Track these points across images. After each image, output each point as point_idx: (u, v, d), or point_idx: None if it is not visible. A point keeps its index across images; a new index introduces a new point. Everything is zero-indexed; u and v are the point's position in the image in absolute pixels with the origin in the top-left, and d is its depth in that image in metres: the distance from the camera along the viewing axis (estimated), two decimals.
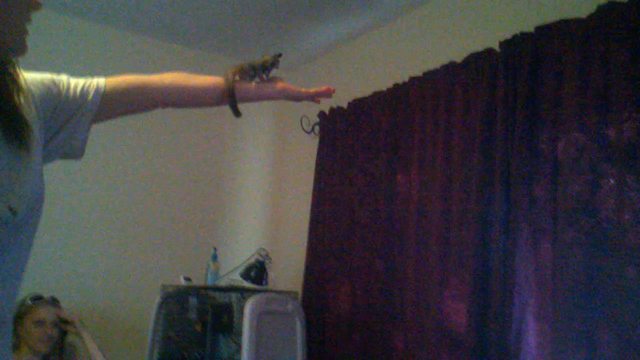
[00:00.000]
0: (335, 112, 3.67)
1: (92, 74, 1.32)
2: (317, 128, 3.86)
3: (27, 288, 3.12)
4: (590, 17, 2.19)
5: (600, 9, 2.15)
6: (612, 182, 2.06)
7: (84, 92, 1.23)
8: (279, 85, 1.44)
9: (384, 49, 3.50)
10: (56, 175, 3.54)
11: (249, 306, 3.22)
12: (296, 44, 3.90)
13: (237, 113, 1.41)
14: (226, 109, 1.46)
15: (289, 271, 3.86)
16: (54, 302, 3.13)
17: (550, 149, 2.29)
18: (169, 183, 3.93)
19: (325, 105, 3.75)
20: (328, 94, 1.46)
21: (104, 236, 3.67)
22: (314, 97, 1.47)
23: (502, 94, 2.50)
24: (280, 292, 3.52)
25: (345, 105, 3.58)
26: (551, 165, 2.27)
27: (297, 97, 1.46)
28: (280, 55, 1.44)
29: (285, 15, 3.52)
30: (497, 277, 2.42)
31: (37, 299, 3.07)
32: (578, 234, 2.14)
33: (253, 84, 1.42)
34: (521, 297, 2.31)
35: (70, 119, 1.21)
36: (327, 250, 3.52)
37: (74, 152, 1.26)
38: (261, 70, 1.43)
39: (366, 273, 3.19)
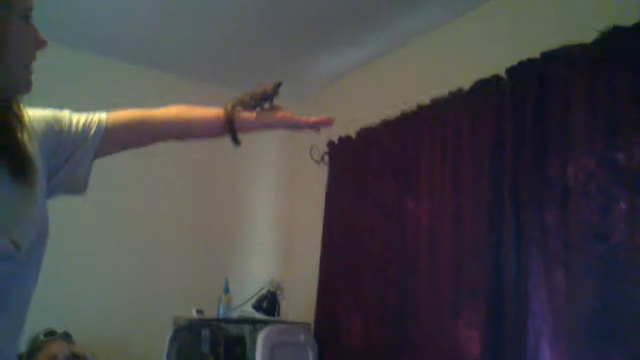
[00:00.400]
0: (344, 141, 3.69)
1: (102, 107, 1.34)
2: (326, 158, 3.88)
3: (40, 324, 3.13)
4: (595, 42, 2.19)
5: (605, 34, 2.16)
6: (624, 206, 2.04)
7: (86, 128, 1.24)
8: (279, 114, 1.43)
9: (392, 77, 3.52)
10: (67, 209, 3.56)
11: (262, 338, 3.21)
12: (304, 73, 3.94)
13: (237, 142, 1.40)
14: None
15: (301, 302, 3.84)
16: (67, 337, 3.13)
17: (560, 175, 2.28)
18: (180, 215, 3.94)
19: (334, 134, 3.76)
20: (328, 123, 1.47)
21: (115, 270, 3.68)
22: (314, 127, 1.46)
23: (510, 120, 2.51)
24: (292, 324, 3.50)
25: (354, 134, 3.60)
26: (561, 191, 2.26)
27: (297, 126, 1.45)
28: (280, 84, 1.44)
29: (294, 45, 3.56)
30: (510, 305, 2.39)
31: (51, 334, 3.07)
32: (591, 260, 2.12)
33: (254, 114, 1.41)
34: (535, 325, 2.28)
35: (72, 155, 1.22)
36: (339, 281, 3.51)
37: (77, 188, 1.27)
38: (262, 99, 1.43)
39: (379, 303, 3.16)
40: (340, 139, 3.72)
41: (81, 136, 1.23)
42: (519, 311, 2.35)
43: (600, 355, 2.03)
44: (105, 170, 3.77)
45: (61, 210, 3.55)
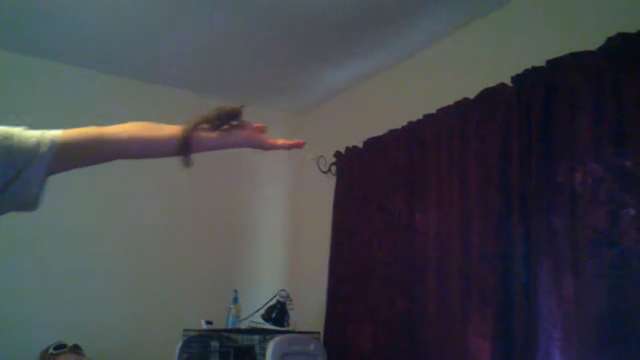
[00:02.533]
0: (351, 151, 3.70)
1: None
2: (333, 168, 3.89)
3: (50, 336, 3.15)
4: (601, 49, 2.21)
5: (610, 40, 2.17)
6: (632, 212, 2.05)
7: (36, 145, 1.22)
8: (245, 133, 1.40)
9: (398, 88, 3.54)
10: (77, 222, 3.59)
11: (271, 348, 3.21)
12: (311, 85, 3.96)
13: (187, 163, 1.36)
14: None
15: (310, 312, 3.84)
16: (76, 349, 3.14)
17: (567, 182, 2.29)
18: (189, 227, 3.96)
19: (341, 145, 3.78)
20: (298, 145, 1.41)
21: (124, 282, 3.69)
22: (283, 148, 1.42)
23: (517, 128, 2.52)
24: (301, 333, 3.50)
25: (360, 144, 3.62)
26: (569, 197, 2.27)
27: (263, 147, 1.41)
28: (243, 106, 1.43)
29: (301, 58, 3.59)
30: (520, 312, 2.40)
31: (60, 347, 3.09)
32: (600, 266, 2.12)
33: (217, 133, 1.38)
34: (545, 331, 2.28)
35: (22, 171, 1.20)
36: (347, 290, 3.51)
37: (27, 205, 1.24)
38: (227, 118, 1.41)
39: (388, 312, 3.17)
40: (347, 149, 3.74)
41: (31, 152, 1.21)
42: (528, 318, 2.35)
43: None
44: (115, 184, 3.83)
45: (70, 224, 3.59)
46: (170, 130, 1.37)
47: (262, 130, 1.42)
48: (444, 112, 2.97)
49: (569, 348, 2.21)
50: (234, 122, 1.39)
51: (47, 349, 3.09)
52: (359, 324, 3.38)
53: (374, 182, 3.45)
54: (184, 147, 1.35)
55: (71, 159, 1.28)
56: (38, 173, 1.21)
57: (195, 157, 1.49)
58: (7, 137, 1.20)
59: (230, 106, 1.40)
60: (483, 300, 2.58)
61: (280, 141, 1.41)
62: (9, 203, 1.22)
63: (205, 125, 1.38)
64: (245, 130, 1.39)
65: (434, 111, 3.03)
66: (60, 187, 3.55)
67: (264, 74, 3.83)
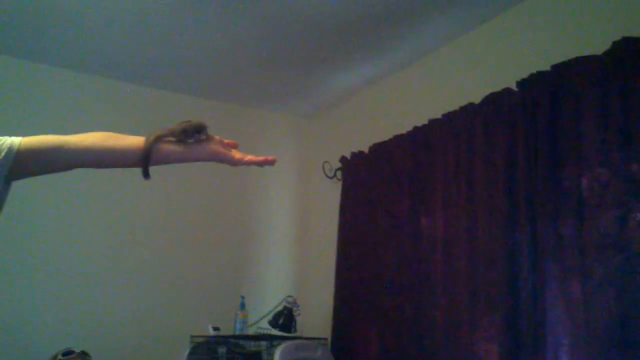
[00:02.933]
0: (357, 156, 3.71)
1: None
2: (339, 173, 3.90)
3: (58, 343, 3.16)
4: (606, 53, 2.21)
5: (615, 44, 2.17)
6: (639, 216, 2.05)
7: None
8: (211, 147, 1.39)
9: (403, 93, 3.54)
10: (83, 229, 3.61)
11: (278, 354, 3.21)
12: (317, 90, 3.97)
13: (146, 175, 1.37)
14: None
15: (317, 317, 3.85)
16: (84, 356, 3.15)
17: (574, 186, 2.29)
18: (195, 233, 3.96)
19: (347, 150, 3.79)
20: (268, 163, 1.40)
21: (132, 288, 3.70)
22: (251, 164, 1.42)
23: (523, 132, 2.52)
24: (309, 339, 3.50)
25: (366, 149, 3.62)
26: (576, 201, 2.26)
27: (231, 163, 1.41)
28: (205, 126, 1.39)
29: (306, 63, 3.59)
30: (527, 316, 2.39)
31: (68, 353, 3.10)
32: (607, 270, 2.12)
33: (181, 146, 1.38)
34: (554, 336, 2.27)
35: None
36: (354, 295, 3.51)
37: None
38: (191, 133, 1.37)
39: (395, 316, 3.17)
40: (353, 155, 3.74)
41: None
42: (536, 322, 2.35)
43: None
44: (123, 190, 3.84)
45: (79, 231, 3.60)
46: (132, 140, 1.38)
47: (232, 146, 1.42)
48: (450, 117, 2.98)
49: (577, 353, 2.20)
50: (202, 137, 1.38)
51: (55, 355, 3.10)
52: (366, 329, 3.38)
53: (379, 187, 3.45)
54: (143, 158, 1.35)
55: (30, 165, 1.30)
56: None
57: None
58: None
59: (196, 121, 1.39)
60: (490, 305, 2.58)
61: (248, 157, 1.40)
62: None
63: (170, 138, 1.38)
64: (212, 145, 1.39)
65: (440, 116, 3.03)
66: (68, 193, 3.58)
67: (270, 79, 3.84)
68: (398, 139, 3.35)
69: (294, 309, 3.57)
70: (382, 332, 3.26)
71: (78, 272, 3.59)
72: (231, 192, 4.15)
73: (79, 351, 3.14)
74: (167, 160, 1.39)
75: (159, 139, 1.37)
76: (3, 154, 1.24)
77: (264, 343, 3.57)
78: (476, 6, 2.87)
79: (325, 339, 3.59)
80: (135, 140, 1.37)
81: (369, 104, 3.85)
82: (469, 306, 2.70)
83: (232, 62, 3.62)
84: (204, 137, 1.38)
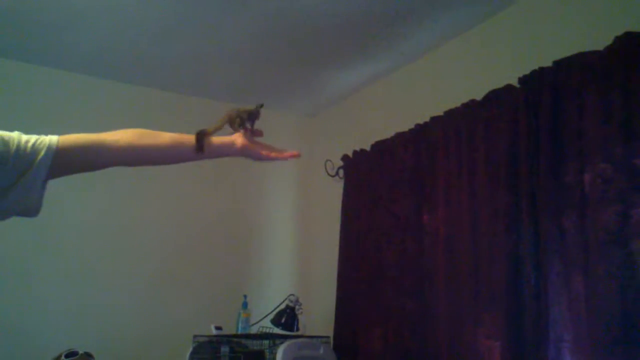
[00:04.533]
0: (359, 154, 3.70)
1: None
2: (341, 171, 3.89)
3: (61, 344, 3.16)
4: (608, 48, 2.20)
5: (617, 40, 2.17)
6: None
7: (34, 150, 1.22)
8: (239, 143, 1.44)
9: (405, 90, 3.54)
10: (85, 230, 3.61)
11: (281, 353, 3.21)
12: (318, 89, 3.97)
13: (199, 154, 1.41)
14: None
15: (319, 316, 3.84)
16: (88, 357, 3.15)
17: (576, 182, 2.28)
18: (198, 233, 3.97)
19: (349, 148, 3.79)
20: (293, 156, 1.47)
21: (135, 288, 3.71)
22: (276, 159, 1.48)
23: (525, 128, 2.51)
24: (311, 337, 3.50)
25: (368, 147, 3.62)
26: (578, 197, 2.26)
27: (258, 158, 1.47)
28: (262, 105, 1.45)
29: (308, 62, 3.59)
30: (530, 313, 2.39)
31: (72, 354, 3.09)
32: (610, 266, 2.11)
33: (213, 140, 1.43)
34: (556, 332, 2.27)
35: (22, 176, 1.20)
36: (357, 293, 3.51)
37: (30, 211, 1.24)
38: (248, 119, 1.43)
39: (397, 314, 3.16)
40: (355, 153, 3.74)
41: (29, 157, 1.21)
42: (538, 319, 2.34)
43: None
44: (125, 192, 3.84)
45: (82, 231, 3.60)
46: (167, 137, 1.39)
47: (258, 134, 1.49)
48: (451, 114, 2.97)
49: (580, 348, 2.20)
50: (251, 124, 1.45)
51: (58, 356, 3.09)
52: (368, 327, 3.38)
53: (381, 184, 3.45)
54: (199, 141, 1.39)
55: (69, 164, 1.29)
56: (38, 178, 1.22)
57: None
58: (5, 142, 1.20)
59: (249, 108, 1.47)
60: (493, 302, 2.58)
61: (274, 153, 1.47)
62: (11, 208, 1.22)
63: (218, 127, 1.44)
64: (241, 140, 1.45)
65: (441, 113, 3.03)
66: (72, 194, 3.58)
67: (272, 78, 3.84)
68: (400, 136, 3.34)
69: (297, 307, 3.57)
70: (384, 330, 3.26)
71: (81, 272, 3.59)
72: (234, 191, 4.15)
73: (82, 352, 3.13)
74: (205, 156, 1.43)
75: (208, 134, 1.41)
76: (42, 152, 1.22)
77: (266, 342, 3.56)
78: (477, 3, 2.87)
79: (328, 337, 3.59)
80: (169, 137, 1.39)
81: (371, 101, 3.85)
82: (472, 303, 2.69)
83: (234, 61, 3.62)
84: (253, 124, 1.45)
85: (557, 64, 2.40)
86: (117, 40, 3.37)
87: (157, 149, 1.39)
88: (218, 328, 3.55)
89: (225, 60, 3.61)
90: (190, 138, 1.41)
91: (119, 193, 3.73)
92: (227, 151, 1.45)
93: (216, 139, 1.43)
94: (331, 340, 3.59)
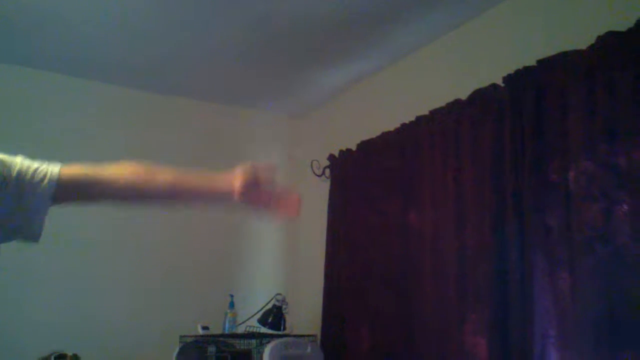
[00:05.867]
0: (345, 154, 3.72)
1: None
2: (327, 171, 3.90)
3: (48, 346, 3.14)
4: (591, 47, 2.23)
5: (600, 39, 2.20)
6: (626, 208, 2.07)
7: (36, 178, 1.21)
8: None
9: (390, 90, 3.56)
10: (72, 231, 3.58)
11: (268, 352, 3.21)
12: (303, 88, 3.97)
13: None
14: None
15: (306, 315, 3.85)
16: (76, 359, 3.13)
17: (561, 179, 2.31)
18: (183, 233, 3.95)
19: (335, 148, 3.80)
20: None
21: (121, 290, 3.69)
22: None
23: (509, 127, 2.54)
24: (298, 337, 3.50)
25: (354, 147, 3.63)
26: (563, 195, 2.29)
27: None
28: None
29: (293, 62, 3.60)
30: (516, 309, 2.41)
31: (60, 357, 3.08)
32: (595, 262, 2.14)
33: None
34: (542, 328, 2.29)
35: (23, 203, 1.20)
36: (343, 292, 3.52)
37: (31, 237, 1.24)
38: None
39: (384, 313, 3.18)
40: (341, 152, 3.75)
41: (31, 186, 1.20)
42: (524, 316, 2.37)
43: (608, 357, 2.05)
44: None
45: (67, 232, 3.57)
46: (165, 177, 1.35)
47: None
48: (437, 114, 2.99)
49: (565, 344, 2.22)
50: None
51: (47, 358, 3.07)
52: (355, 326, 3.39)
53: (368, 184, 3.46)
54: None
55: (70, 195, 1.27)
56: (42, 207, 1.22)
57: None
58: (6, 165, 1.19)
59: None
60: (479, 299, 2.60)
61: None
62: (12, 233, 1.22)
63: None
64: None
65: (427, 112, 3.05)
66: None
67: (257, 78, 3.84)
68: (386, 136, 3.36)
69: (283, 306, 3.57)
70: (372, 329, 3.27)
71: (68, 274, 3.57)
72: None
73: (71, 354, 3.12)
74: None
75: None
76: (46, 182, 1.21)
77: (253, 341, 3.56)
78: (462, 3, 2.89)
79: (315, 336, 3.59)
80: (167, 177, 1.34)
81: (357, 101, 3.86)
82: (458, 301, 2.71)
83: (219, 62, 3.61)
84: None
85: (541, 63, 2.43)
86: (100, 41, 3.35)
87: (154, 193, 1.35)
88: (205, 328, 3.54)
89: (210, 61, 3.60)
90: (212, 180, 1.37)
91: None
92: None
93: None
94: (318, 339, 3.60)
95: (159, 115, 3.99)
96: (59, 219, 3.71)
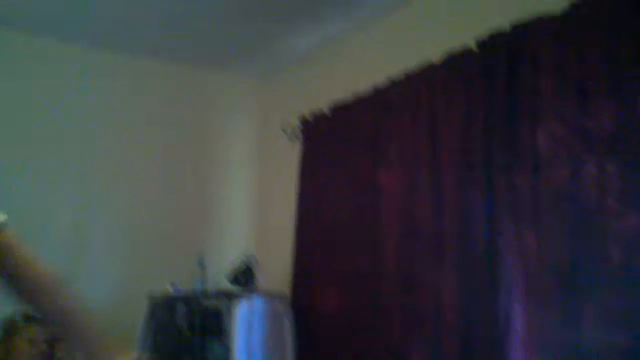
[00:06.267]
0: (317, 117, 3.73)
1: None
2: (299, 134, 3.91)
3: (14, 306, 3.10)
4: (564, 12, 2.27)
5: (573, 4, 2.24)
6: (593, 170, 2.13)
7: None
8: None
9: (363, 52, 3.56)
10: (42, 194, 3.54)
11: (238, 310, 3.25)
12: (276, 50, 3.95)
13: None
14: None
15: (276, 273, 3.89)
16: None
17: (530, 141, 2.36)
18: (153, 191, 3.93)
19: (307, 110, 3.80)
20: None
21: (89, 249, 3.67)
22: None
23: (481, 90, 2.58)
24: (268, 295, 3.55)
25: (326, 109, 3.64)
26: (532, 156, 2.34)
27: None
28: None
29: (264, 22, 3.56)
30: (482, 267, 2.48)
31: (28, 317, 3.05)
32: (560, 221, 2.21)
33: None
34: (508, 284, 2.37)
35: None
36: (313, 251, 3.56)
37: None
38: None
39: (353, 271, 3.23)
40: (313, 115, 3.76)
41: None
42: (491, 271, 2.44)
43: (571, 307, 2.13)
44: (73, 146, 3.74)
45: (37, 196, 3.52)
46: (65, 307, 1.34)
47: None
48: (409, 77, 3.01)
49: (529, 299, 2.30)
50: None
51: (13, 317, 3.03)
52: (324, 284, 3.44)
53: (339, 145, 3.48)
54: None
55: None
56: None
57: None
58: None
59: None
60: (446, 257, 2.66)
61: None
62: None
63: None
64: None
65: (400, 75, 3.07)
66: (16, 147, 3.46)
67: (227, 39, 3.79)
68: (358, 98, 3.37)
69: (254, 265, 3.61)
70: (340, 288, 3.32)
71: (35, 234, 3.52)
72: (191, 150, 4.12)
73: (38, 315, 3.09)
74: None
75: None
76: None
77: (223, 300, 3.60)
78: None
79: (285, 294, 3.64)
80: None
81: (329, 63, 3.85)
82: (425, 258, 2.78)
83: (186, 20, 3.52)
84: None
85: (514, 27, 2.47)
86: None
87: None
88: (175, 287, 3.56)
89: (173, 20, 3.51)
90: None
91: (68, 148, 3.66)
92: None
93: None
94: (288, 298, 3.65)
95: (121, 77, 3.92)
96: (27, 182, 3.62)
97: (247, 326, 3.22)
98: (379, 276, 3.06)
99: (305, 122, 3.85)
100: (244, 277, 3.56)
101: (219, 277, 3.67)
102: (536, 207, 2.31)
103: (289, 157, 3.95)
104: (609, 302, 2.04)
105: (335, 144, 3.53)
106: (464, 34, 2.73)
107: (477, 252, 2.52)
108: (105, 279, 3.67)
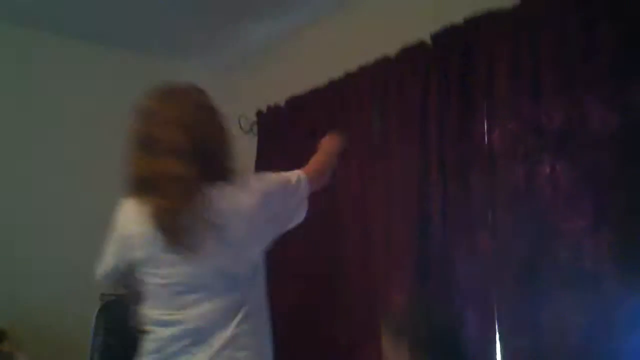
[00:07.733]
0: (273, 110, 3.66)
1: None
2: (255, 127, 3.84)
3: None
4: (516, 7, 2.23)
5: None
6: (547, 169, 2.10)
7: None
8: None
9: (320, 45, 3.49)
10: None
11: None
12: (230, 43, 3.86)
13: None
14: None
15: None
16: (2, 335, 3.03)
17: (485, 139, 2.33)
18: (103, 183, 3.80)
19: (263, 104, 3.73)
20: None
21: (36, 243, 3.54)
22: None
23: (436, 85, 2.54)
24: None
25: (282, 103, 3.57)
26: (487, 154, 2.31)
27: None
28: None
29: (219, 13, 3.47)
30: (437, 267, 2.45)
31: None
32: (516, 222, 2.18)
33: None
34: (463, 285, 2.34)
35: None
36: (268, 249, 3.49)
37: None
38: None
39: (310, 268, 3.18)
40: (269, 108, 3.69)
41: None
42: (445, 272, 2.40)
43: (527, 310, 2.10)
44: (24, 131, 3.58)
45: None
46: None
47: None
48: (365, 70, 2.96)
49: (485, 301, 2.27)
50: None
51: None
52: (280, 284, 3.37)
53: (296, 140, 3.42)
54: None
55: None
56: None
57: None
58: None
59: None
60: (403, 257, 2.62)
61: None
62: None
63: None
64: None
65: (355, 69, 3.01)
66: None
67: (185, 31, 3.69)
68: (315, 92, 3.31)
69: None
70: (296, 287, 3.27)
71: None
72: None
73: None
74: None
75: None
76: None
77: None
78: None
79: None
80: None
81: (285, 56, 3.78)
82: (382, 257, 2.74)
83: (142, 8, 3.41)
84: None
85: (468, 22, 2.42)
86: None
87: None
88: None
89: (131, 7, 3.39)
90: None
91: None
92: None
93: None
94: None
95: (71, 64, 3.79)
96: None
97: None
98: (337, 274, 3.02)
99: (261, 116, 3.77)
100: None
101: None
102: (492, 206, 2.28)
103: (246, 152, 3.86)
104: (561, 302, 2.02)
105: (292, 138, 3.47)
106: (422, 29, 2.67)
107: (434, 253, 2.48)
108: (55, 278, 3.53)
